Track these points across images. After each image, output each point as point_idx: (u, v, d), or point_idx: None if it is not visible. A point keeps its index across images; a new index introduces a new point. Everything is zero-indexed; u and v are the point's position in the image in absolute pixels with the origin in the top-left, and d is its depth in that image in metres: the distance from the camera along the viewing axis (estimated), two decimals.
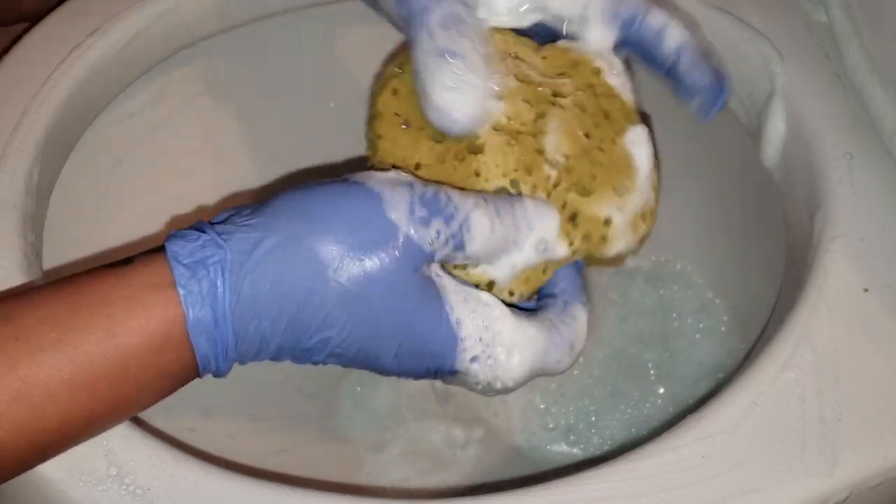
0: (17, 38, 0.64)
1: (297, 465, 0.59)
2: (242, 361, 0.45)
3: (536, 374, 0.47)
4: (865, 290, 0.56)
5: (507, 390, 0.46)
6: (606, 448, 0.74)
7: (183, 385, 0.45)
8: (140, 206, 0.71)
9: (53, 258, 0.61)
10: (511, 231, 0.46)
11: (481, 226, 0.45)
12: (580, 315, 0.48)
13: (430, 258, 0.45)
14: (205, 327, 0.43)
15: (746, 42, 0.66)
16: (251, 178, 0.77)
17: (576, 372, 0.77)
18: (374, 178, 0.45)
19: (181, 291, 0.42)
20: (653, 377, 0.76)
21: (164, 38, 0.68)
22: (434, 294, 0.45)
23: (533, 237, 0.47)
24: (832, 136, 0.62)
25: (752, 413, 0.51)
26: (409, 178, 0.46)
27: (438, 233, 0.44)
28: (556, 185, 0.48)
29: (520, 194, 0.47)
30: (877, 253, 0.57)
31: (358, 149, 0.79)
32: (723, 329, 0.77)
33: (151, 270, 0.43)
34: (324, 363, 0.46)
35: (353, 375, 0.76)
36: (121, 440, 0.48)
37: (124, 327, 0.42)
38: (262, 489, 0.47)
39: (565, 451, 0.74)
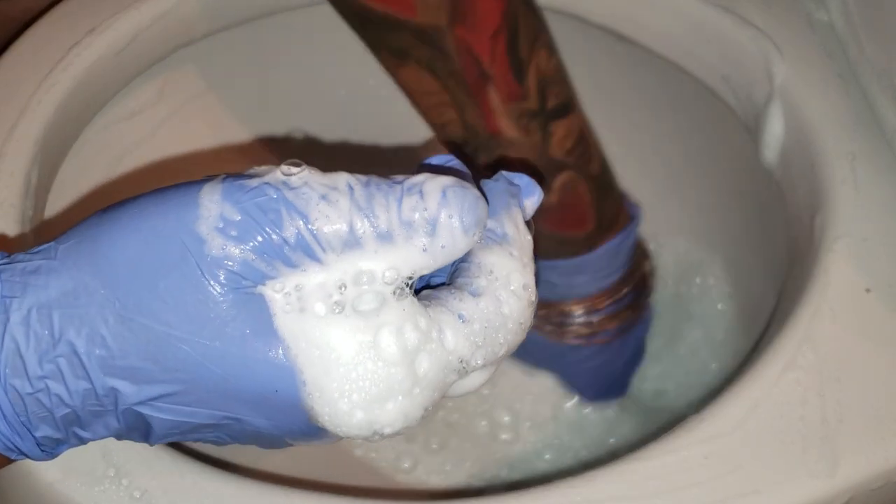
0: (15, 36, 0.64)
1: (297, 465, 0.59)
2: (51, 446, 0.36)
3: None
4: (868, 291, 0.55)
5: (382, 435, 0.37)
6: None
7: None
8: None
9: None
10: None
11: (332, 232, 0.35)
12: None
13: (257, 277, 0.35)
14: None
15: (748, 41, 0.66)
16: None
17: None
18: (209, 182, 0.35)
19: None
20: (657, 375, 0.76)
21: (163, 38, 0.68)
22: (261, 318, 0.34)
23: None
24: (834, 135, 0.62)
25: (753, 414, 0.51)
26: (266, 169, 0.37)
27: (262, 245, 0.34)
28: None
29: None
30: (879, 253, 0.57)
31: (357, 147, 0.79)
32: (726, 324, 0.77)
33: None
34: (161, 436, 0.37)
35: None
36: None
37: None
38: (262, 489, 0.47)
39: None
